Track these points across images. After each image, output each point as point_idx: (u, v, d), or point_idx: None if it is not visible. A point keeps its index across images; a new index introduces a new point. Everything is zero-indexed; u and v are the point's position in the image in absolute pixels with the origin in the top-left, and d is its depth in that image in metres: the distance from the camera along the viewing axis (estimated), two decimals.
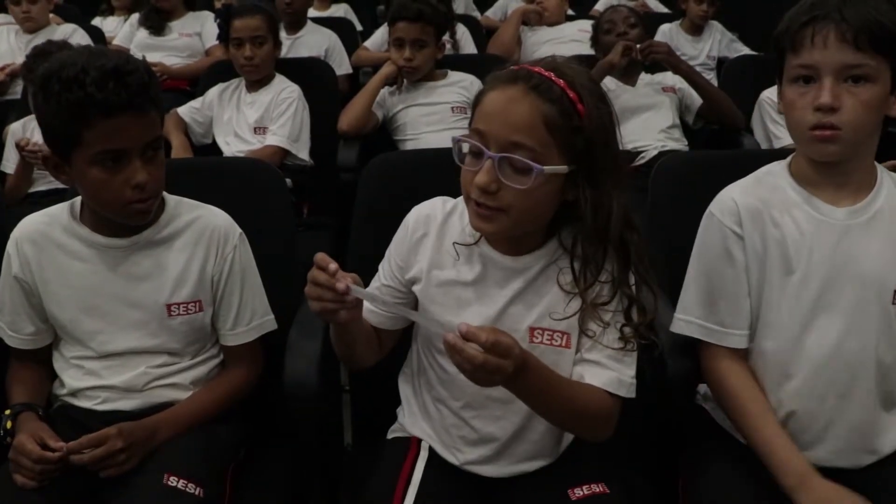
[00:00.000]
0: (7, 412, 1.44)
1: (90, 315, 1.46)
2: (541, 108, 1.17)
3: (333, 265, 1.16)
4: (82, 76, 1.28)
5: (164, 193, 1.50)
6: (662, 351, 1.45)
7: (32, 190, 2.79)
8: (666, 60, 2.89)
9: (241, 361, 1.56)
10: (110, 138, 1.32)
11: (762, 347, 1.39)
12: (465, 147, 1.24)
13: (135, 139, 1.34)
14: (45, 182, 2.78)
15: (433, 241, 1.36)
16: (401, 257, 1.39)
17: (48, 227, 1.47)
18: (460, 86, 2.89)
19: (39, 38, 3.54)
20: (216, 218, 1.53)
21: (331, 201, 2.85)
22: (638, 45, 2.90)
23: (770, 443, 1.33)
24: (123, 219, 1.43)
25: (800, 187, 1.38)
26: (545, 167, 1.17)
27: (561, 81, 1.19)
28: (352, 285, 1.16)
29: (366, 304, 1.39)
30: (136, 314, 1.47)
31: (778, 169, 1.42)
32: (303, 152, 2.85)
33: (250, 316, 1.54)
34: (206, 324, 1.52)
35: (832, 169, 1.35)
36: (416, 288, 1.37)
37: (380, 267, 1.43)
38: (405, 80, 2.91)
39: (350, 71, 3.77)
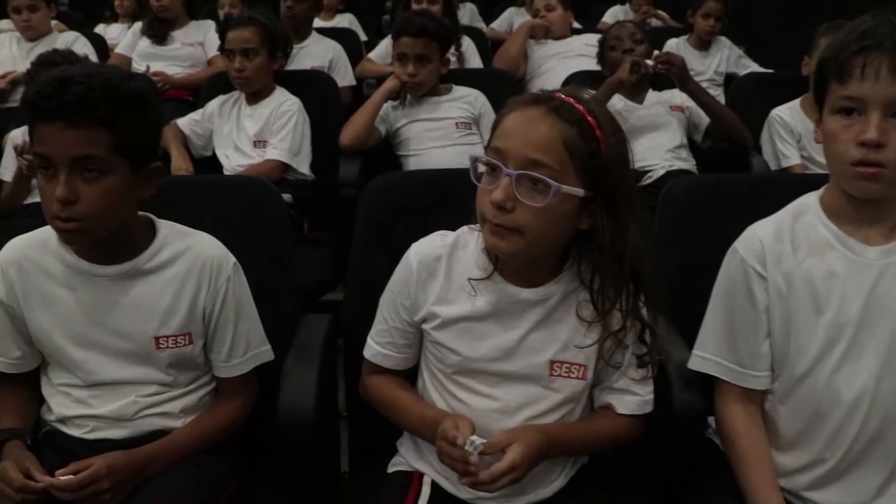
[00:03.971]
0: None
1: (77, 344, 1.42)
2: (561, 129, 1.19)
3: (461, 440, 1.21)
4: (41, 81, 1.28)
5: (156, 220, 1.46)
6: (671, 383, 1.43)
7: (29, 201, 2.74)
8: (678, 76, 2.84)
9: (236, 393, 1.51)
10: (40, 142, 1.29)
11: (791, 389, 1.34)
12: (482, 168, 1.24)
13: (60, 150, 1.27)
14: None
15: (442, 280, 1.35)
16: (407, 299, 1.37)
17: (35, 251, 1.42)
18: (465, 101, 2.84)
19: (41, 46, 3.51)
20: (209, 248, 1.47)
21: (331, 217, 2.80)
22: (655, 54, 2.85)
23: (760, 495, 1.31)
24: (60, 237, 1.38)
25: (832, 224, 1.32)
26: (562, 186, 1.18)
27: (581, 107, 1.21)
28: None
29: (379, 348, 1.42)
30: (123, 344, 1.42)
31: (810, 202, 1.36)
32: (303, 166, 2.80)
33: (245, 348, 1.49)
34: (197, 356, 1.48)
35: (869, 205, 1.29)
36: (426, 326, 1.36)
37: (382, 309, 1.42)
38: (409, 95, 2.87)
39: (353, 83, 3.73)
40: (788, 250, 1.32)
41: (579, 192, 1.20)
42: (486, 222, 1.23)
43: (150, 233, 1.44)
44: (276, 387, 1.44)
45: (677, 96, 2.97)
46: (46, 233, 1.43)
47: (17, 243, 1.44)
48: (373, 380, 1.45)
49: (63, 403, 1.44)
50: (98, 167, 1.30)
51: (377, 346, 1.42)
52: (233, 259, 1.48)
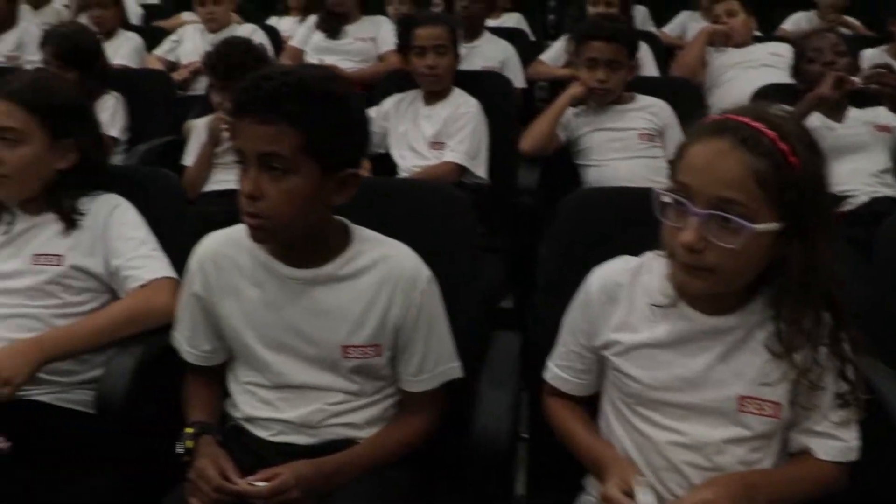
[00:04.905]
0: (189, 430, 1.40)
1: (265, 345, 1.41)
2: (751, 163, 1.10)
3: None
4: (248, 78, 1.33)
5: (351, 226, 1.43)
6: None
7: (208, 189, 2.80)
8: (893, 95, 2.60)
9: (422, 408, 1.47)
10: (235, 136, 1.33)
11: None
12: (668, 199, 1.17)
13: (249, 145, 1.29)
14: (221, 182, 2.77)
15: (623, 306, 1.31)
16: (587, 324, 1.34)
17: (231, 248, 1.43)
18: (649, 111, 2.70)
19: (222, 38, 3.62)
20: (404, 259, 1.43)
21: (505, 222, 2.73)
22: (865, 71, 2.63)
23: None
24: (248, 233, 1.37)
25: None
26: (757, 226, 1.11)
27: (772, 133, 1.12)
28: None
29: (558, 371, 1.40)
30: (311, 350, 1.40)
31: None
32: (480, 170, 2.75)
33: (434, 363, 1.45)
34: (383, 367, 1.44)
35: None
36: (607, 352, 1.32)
37: (562, 333, 1.38)
38: (592, 102, 2.76)
39: (524, 85, 3.65)
40: None
41: (774, 226, 1.12)
42: (675, 258, 1.18)
43: (345, 238, 1.42)
44: (462, 404, 1.39)
45: (883, 115, 2.72)
46: (241, 230, 1.42)
47: (215, 239, 1.46)
48: (550, 402, 1.43)
49: (249, 403, 1.44)
50: (282, 165, 1.28)
51: (556, 369, 1.40)
52: (427, 272, 1.44)
